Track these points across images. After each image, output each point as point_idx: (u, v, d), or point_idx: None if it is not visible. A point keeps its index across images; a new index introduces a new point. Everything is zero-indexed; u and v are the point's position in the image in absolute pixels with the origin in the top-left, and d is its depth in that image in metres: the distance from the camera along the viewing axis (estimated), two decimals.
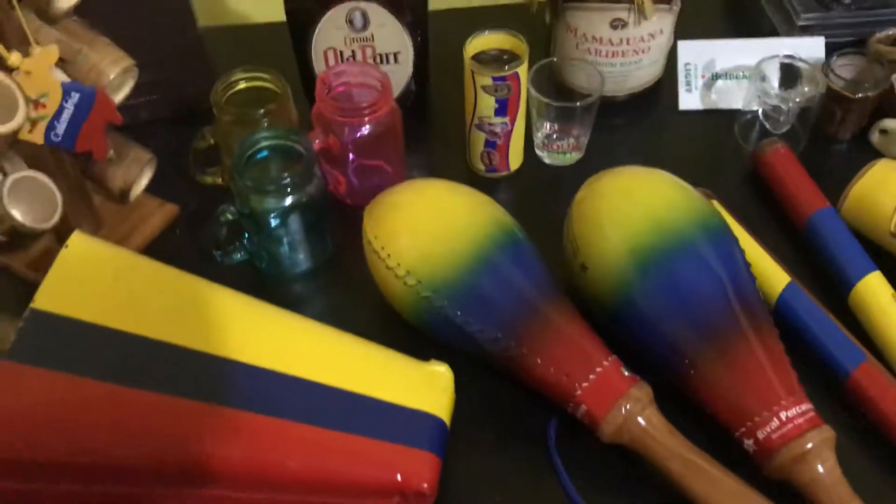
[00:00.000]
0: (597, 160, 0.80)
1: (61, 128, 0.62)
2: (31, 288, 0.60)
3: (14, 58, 0.58)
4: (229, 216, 0.66)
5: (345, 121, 0.70)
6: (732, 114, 0.84)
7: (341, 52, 0.78)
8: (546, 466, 0.60)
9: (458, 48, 0.73)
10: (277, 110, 0.71)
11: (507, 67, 0.70)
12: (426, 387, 0.58)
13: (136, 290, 0.58)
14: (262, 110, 0.70)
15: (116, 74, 0.64)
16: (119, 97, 0.66)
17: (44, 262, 0.72)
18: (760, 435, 0.55)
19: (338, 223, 0.74)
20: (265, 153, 0.68)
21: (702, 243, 0.60)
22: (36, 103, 0.61)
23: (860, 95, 0.77)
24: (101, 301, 0.56)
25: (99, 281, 0.57)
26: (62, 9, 0.60)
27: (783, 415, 0.55)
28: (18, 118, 0.56)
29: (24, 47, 0.59)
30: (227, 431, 0.53)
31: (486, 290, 0.60)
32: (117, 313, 0.56)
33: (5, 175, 0.62)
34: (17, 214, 0.61)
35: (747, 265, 0.62)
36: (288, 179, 0.65)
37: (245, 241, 0.69)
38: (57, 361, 0.54)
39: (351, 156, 0.73)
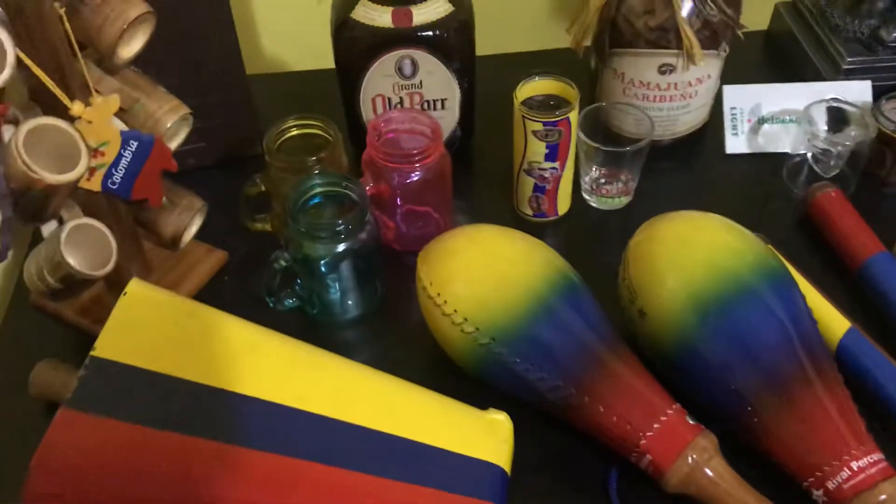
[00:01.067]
0: (645, 204, 0.80)
1: (118, 175, 0.63)
2: (82, 335, 0.60)
3: (77, 107, 0.59)
4: (283, 262, 0.66)
5: (395, 167, 0.71)
6: (780, 158, 0.84)
7: (389, 99, 0.79)
8: None
9: (503, 93, 0.73)
10: (328, 157, 0.71)
11: (557, 113, 0.70)
12: (486, 435, 0.57)
13: (196, 337, 0.58)
14: (313, 157, 0.70)
15: (173, 123, 0.64)
16: (174, 145, 0.67)
17: (94, 309, 0.72)
18: (831, 486, 0.54)
19: (386, 269, 0.74)
20: (317, 199, 0.68)
21: (763, 288, 0.59)
22: (96, 152, 0.61)
23: None
24: (161, 348, 0.56)
25: (158, 328, 0.57)
26: (123, 59, 0.61)
27: (854, 465, 0.54)
28: (81, 167, 0.56)
29: (85, 96, 0.60)
30: (288, 480, 0.52)
31: (546, 336, 0.59)
32: (177, 361, 0.55)
33: (62, 222, 0.62)
34: (73, 262, 0.61)
35: (809, 310, 0.61)
36: (342, 226, 0.65)
37: (297, 287, 0.69)
38: (117, 410, 0.53)
39: (399, 201, 0.73)
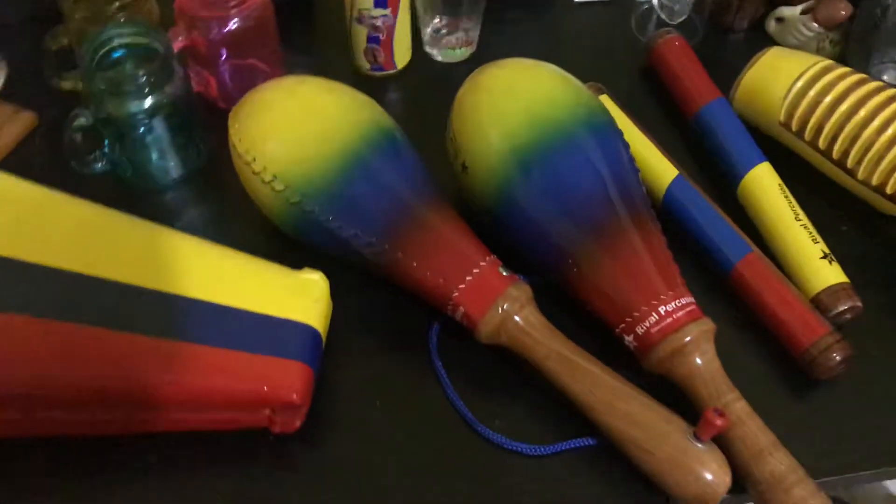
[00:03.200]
0: (490, 56, 0.76)
1: None
2: None
3: None
4: (83, 121, 0.61)
5: (209, 16, 0.65)
6: (629, 5, 0.81)
7: None
8: (429, 372, 0.58)
9: None
10: (134, 6, 0.65)
11: None
12: (298, 296, 0.55)
13: None
14: (116, 4, 0.64)
15: None
16: None
17: None
18: (640, 330, 0.54)
19: (211, 128, 0.69)
20: (120, 53, 0.62)
21: (582, 138, 0.58)
22: None
23: None
24: None
25: None
26: None
27: (662, 309, 0.54)
28: None
29: None
30: (80, 348, 0.50)
31: (358, 194, 0.56)
32: None
33: None
34: None
35: (631, 159, 0.60)
36: (144, 78, 0.59)
37: (105, 149, 0.64)
38: None
39: (223, 55, 0.68)
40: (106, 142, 0.64)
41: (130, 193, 0.67)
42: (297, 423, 0.53)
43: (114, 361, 0.50)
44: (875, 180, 0.63)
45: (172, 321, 0.52)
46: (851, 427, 0.56)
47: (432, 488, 0.53)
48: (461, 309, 0.55)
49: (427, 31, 0.76)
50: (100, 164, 0.65)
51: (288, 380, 0.51)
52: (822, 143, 0.65)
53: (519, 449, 0.54)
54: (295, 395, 0.51)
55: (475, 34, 0.76)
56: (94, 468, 0.54)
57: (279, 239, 0.62)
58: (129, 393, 0.51)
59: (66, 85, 0.70)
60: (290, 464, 0.54)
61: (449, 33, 0.75)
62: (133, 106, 0.61)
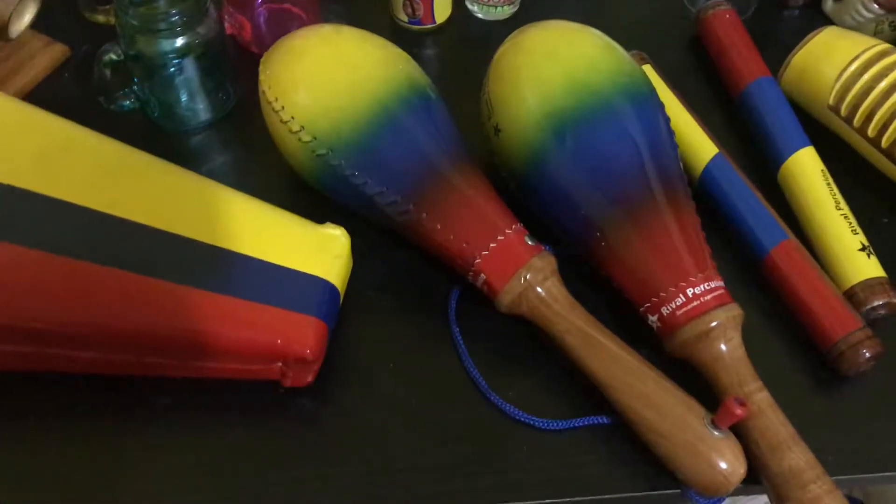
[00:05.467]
0: (532, 16, 0.73)
1: None
2: None
3: None
4: (113, 57, 0.60)
5: None
6: None
7: None
8: (445, 337, 0.57)
9: None
10: None
11: None
12: (318, 250, 0.54)
13: (1, 133, 0.53)
14: None
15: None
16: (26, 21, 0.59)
17: None
18: (665, 311, 0.53)
19: (243, 74, 0.68)
20: None
21: (622, 108, 0.55)
22: None
23: None
24: None
25: None
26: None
27: (690, 291, 0.52)
28: None
29: None
30: (91, 289, 0.49)
31: (387, 149, 0.55)
32: None
33: None
34: None
35: (671, 134, 0.58)
36: (176, 17, 0.58)
37: (134, 87, 0.63)
38: None
39: None
40: (135, 79, 0.63)
41: (157, 134, 0.66)
42: (309, 379, 0.53)
43: (129, 303, 0.50)
44: None
45: (190, 267, 0.51)
46: (874, 426, 0.55)
47: (440, 453, 0.53)
48: (483, 276, 0.54)
49: None
50: (128, 102, 0.64)
51: (302, 335, 0.51)
52: (871, 130, 0.62)
53: (531, 422, 0.53)
54: (308, 351, 0.50)
55: None
56: (106, 406, 0.54)
57: (303, 191, 0.61)
58: (142, 336, 0.50)
59: (100, 18, 0.69)
60: (298, 418, 0.54)
61: None
62: (164, 45, 0.60)
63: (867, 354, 0.54)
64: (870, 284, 0.57)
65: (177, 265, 0.51)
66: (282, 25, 0.69)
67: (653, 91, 0.59)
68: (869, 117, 0.62)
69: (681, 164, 0.58)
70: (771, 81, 0.67)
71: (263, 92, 0.58)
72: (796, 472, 0.49)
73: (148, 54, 0.60)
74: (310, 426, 0.54)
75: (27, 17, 0.66)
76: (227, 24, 0.68)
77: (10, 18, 0.63)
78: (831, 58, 0.64)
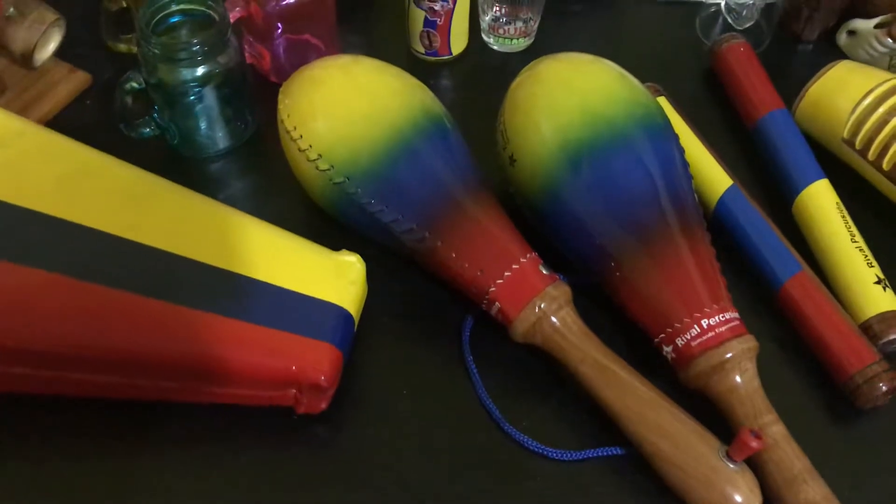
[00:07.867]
0: (548, 48, 0.74)
1: None
2: None
3: None
4: (135, 85, 0.61)
5: None
6: (695, 7, 0.78)
7: None
8: (459, 366, 0.57)
9: None
10: None
11: None
12: (333, 277, 0.55)
13: (25, 158, 0.53)
14: None
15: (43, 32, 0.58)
16: (51, 49, 0.61)
17: None
18: (680, 342, 0.53)
19: (262, 102, 0.69)
20: (177, 18, 0.62)
21: (636, 139, 0.56)
22: None
23: None
24: None
25: None
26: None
27: (705, 322, 0.52)
28: None
29: None
30: (108, 313, 0.50)
31: (404, 178, 0.55)
32: (2, 183, 0.51)
33: None
34: None
35: (685, 165, 0.58)
36: (198, 46, 0.59)
37: (155, 114, 0.64)
38: None
39: (278, 29, 0.68)
40: (156, 107, 0.64)
41: (176, 160, 0.67)
42: (323, 406, 0.53)
43: (146, 328, 0.50)
44: None
45: (207, 292, 0.52)
46: (891, 459, 0.54)
47: (453, 482, 0.52)
48: (497, 304, 0.54)
49: (486, 19, 0.74)
50: (148, 129, 0.65)
51: (317, 361, 0.51)
52: (886, 164, 0.62)
53: (545, 452, 0.53)
54: (323, 378, 0.51)
55: (534, 25, 0.74)
56: (121, 431, 0.54)
57: (320, 218, 0.61)
58: (158, 361, 0.51)
59: (122, 47, 0.70)
60: (312, 444, 0.54)
61: (508, 22, 0.74)
62: (185, 73, 0.61)
63: (884, 388, 0.54)
64: (885, 318, 0.56)
65: (193, 290, 0.52)
66: (300, 55, 0.70)
67: (667, 122, 0.59)
68: (884, 150, 0.62)
69: (695, 196, 0.58)
70: (785, 114, 0.67)
71: (282, 120, 0.59)
72: None
73: (169, 83, 0.61)
74: (323, 452, 0.54)
75: (52, 45, 0.67)
76: (247, 54, 0.69)
77: (35, 47, 0.65)
78: (846, 91, 0.64)
